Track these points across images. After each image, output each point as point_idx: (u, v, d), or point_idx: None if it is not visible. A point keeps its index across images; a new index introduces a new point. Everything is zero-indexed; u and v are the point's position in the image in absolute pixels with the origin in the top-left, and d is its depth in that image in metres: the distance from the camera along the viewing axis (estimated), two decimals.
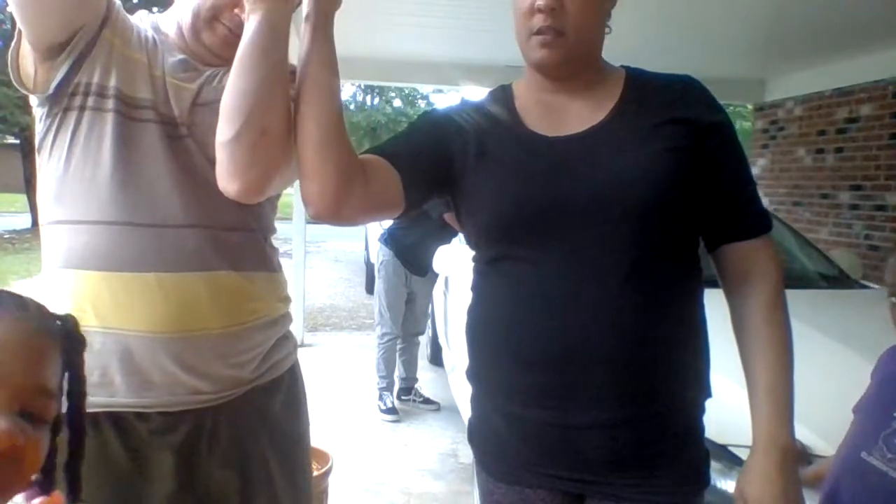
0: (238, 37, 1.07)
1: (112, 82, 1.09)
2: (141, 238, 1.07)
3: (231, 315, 1.13)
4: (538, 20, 1.02)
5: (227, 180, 0.99)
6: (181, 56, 1.15)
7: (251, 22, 0.98)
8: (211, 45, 1.14)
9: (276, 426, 1.24)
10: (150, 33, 1.17)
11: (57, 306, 1.06)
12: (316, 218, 1.01)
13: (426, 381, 4.53)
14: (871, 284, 3.33)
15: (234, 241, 1.13)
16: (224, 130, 0.97)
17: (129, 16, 1.18)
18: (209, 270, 1.10)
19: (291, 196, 5.36)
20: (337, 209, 0.99)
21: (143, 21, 1.20)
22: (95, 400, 0.99)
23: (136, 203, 1.08)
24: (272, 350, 1.23)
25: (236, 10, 1.09)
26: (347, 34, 1.25)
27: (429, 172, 1.09)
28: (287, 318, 1.29)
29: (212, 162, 1.05)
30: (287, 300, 1.29)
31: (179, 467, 1.12)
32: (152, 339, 1.07)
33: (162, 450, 1.11)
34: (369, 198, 1.01)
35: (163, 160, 1.10)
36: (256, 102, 0.97)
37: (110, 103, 1.09)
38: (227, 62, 1.13)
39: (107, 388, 1.08)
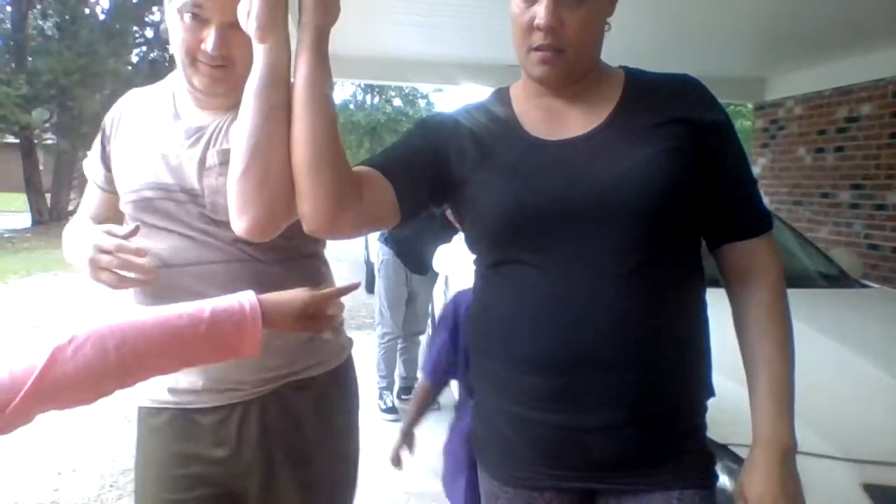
0: (219, 67, 1.18)
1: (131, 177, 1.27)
2: (159, 278, 1.20)
3: None
4: (538, 38, 1.02)
5: (235, 219, 1.02)
6: (185, 126, 1.26)
7: (256, 59, 0.99)
8: (203, 87, 1.22)
9: (305, 427, 1.29)
10: (168, 105, 1.29)
11: None
12: (311, 233, 1.02)
13: None
14: (871, 283, 3.33)
15: (230, 272, 1.21)
16: (236, 168, 1.00)
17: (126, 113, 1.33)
18: None
19: None
20: (331, 225, 1.00)
21: (165, 88, 1.32)
22: (166, 398, 1.27)
23: (161, 249, 1.22)
24: (303, 353, 1.28)
25: (202, 47, 1.17)
26: (347, 34, 1.26)
27: (424, 182, 1.08)
28: None
29: (211, 218, 1.20)
30: None
31: (215, 439, 1.26)
32: None
33: (201, 427, 1.27)
34: (363, 212, 1.02)
35: (169, 219, 1.23)
36: (262, 140, 0.98)
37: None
38: (226, 97, 1.22)
39: (166, 392, 1.27)
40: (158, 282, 1.21)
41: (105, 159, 1.34)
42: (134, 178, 1.26)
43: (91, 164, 1.38)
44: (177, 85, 1.31)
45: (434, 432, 3.85)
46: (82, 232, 1.24)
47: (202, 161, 1.22)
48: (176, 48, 1.21)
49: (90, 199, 1.40)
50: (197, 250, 1.22)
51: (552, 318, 1.02)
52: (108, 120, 1.34)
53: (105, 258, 1.14)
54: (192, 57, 1.19)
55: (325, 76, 0.99)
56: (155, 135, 1.27)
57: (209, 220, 1.21)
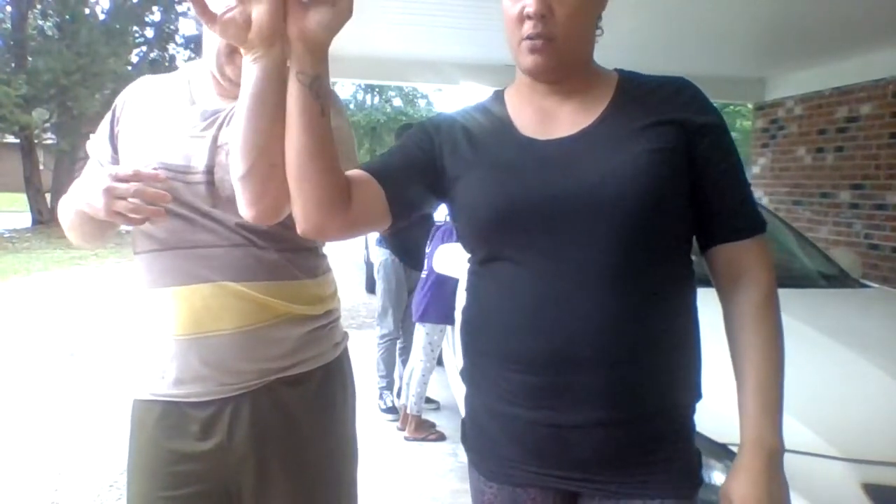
0: None
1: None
2: (159, 260, 1.25)
3: (240, 318, 1.23)
4: (528, 27, 1.02)
5: (245, 208, 1.06)
6: (201, 109, 1.28)
7: (256, 69, 1.00)
8: (234, 77, 1.22)
9: (298, 423, 1.29)
10: (183, 92, 1.30)
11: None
12: (303, 236, 1.05)
13: None
14: (872, 283, 3.33)
15: (228, 256, 1.24)
16: (238, 167, 1.03)
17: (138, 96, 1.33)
18: (209, 282, 1.22)
19: None
20: (320, 230, 1.03)
21: (180, 77, 1.34)
22: (159, 391, 1.26)
23: (162, 231, 1.24)
24: (299, 347, 1.29)
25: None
26: (348, 34, 1.26)
27: (418, 184, 1.10)
28: (315, 319, 1.32)
29: (216, 195, 1.22)
30: (318, 300, 1.33)
31: (205, 434, 1.27)
32: (180, 341, 1.24)
33: (192, 422, 1.27)
34: (354, 217, 1.04)
35: (173, 201, 1.23)
36: (267, 140, 1.00)
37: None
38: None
39: (161, 382, 1.27)
40: (159, 264, 1.23)
41: (113, 139, 1.34)
42: (143, 159, 1.26)
43: (97, 144, 1.36)
44: (193, 74, 1.33)
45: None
46: (89, 178, 1.21)
47: (215, 139, 1.24)
48: (215, 39, 1.22)
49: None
50: (196, 234, 1.23)
51: (536, 314, 1.03)
52: (119, 101, 1.35)
53: (122, 186, 1.13)
54: (233, 48, 1.19)
55: (318, 106, 0.99)
56: (168, 118, 1.28)
57: (214, 201, 1.23)
